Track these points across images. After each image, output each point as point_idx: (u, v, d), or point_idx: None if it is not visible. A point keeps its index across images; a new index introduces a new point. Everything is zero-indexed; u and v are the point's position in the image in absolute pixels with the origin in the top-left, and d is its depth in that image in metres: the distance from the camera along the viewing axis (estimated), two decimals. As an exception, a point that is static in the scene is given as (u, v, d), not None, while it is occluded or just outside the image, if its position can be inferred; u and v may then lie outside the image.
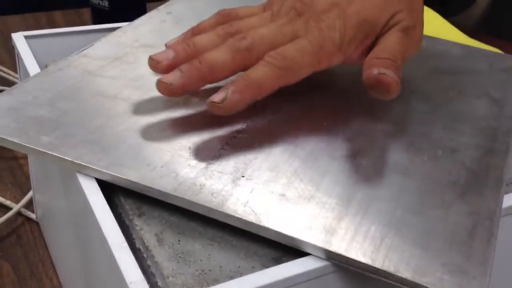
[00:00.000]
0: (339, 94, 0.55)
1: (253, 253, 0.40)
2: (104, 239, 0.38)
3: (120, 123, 0.47)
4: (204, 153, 0.45)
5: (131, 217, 0.42)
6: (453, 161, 0.47)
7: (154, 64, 0.49)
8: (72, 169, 0.43)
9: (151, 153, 0.44)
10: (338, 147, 0.47)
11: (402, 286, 0.36)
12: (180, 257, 0.39)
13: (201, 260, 0.39)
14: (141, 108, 0.49)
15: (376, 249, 0.37)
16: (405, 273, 0.36)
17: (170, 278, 0.38)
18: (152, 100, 0.51)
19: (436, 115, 0.53)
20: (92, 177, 0.43)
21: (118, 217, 0.43)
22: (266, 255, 0.40)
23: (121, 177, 0.42)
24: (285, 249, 0.40)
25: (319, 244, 0.38)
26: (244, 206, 0.40)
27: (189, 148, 0.45)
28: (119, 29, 0.62)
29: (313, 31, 0.49)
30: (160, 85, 0.47)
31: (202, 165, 0.44)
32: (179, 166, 0.43)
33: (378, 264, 0.37)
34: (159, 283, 0.37)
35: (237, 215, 0.39)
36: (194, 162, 0.44)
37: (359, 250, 0.37)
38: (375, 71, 0.46)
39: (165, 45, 0.54)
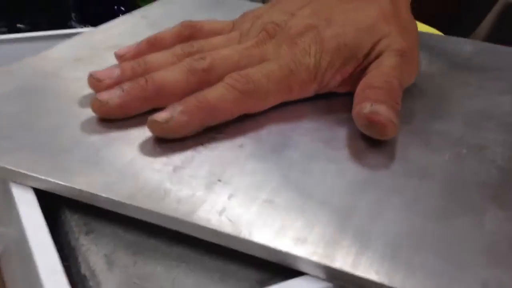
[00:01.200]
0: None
1: (232, 275, 0.31)
2: (34, 263, 0.29)
3: (73, 125, 0.38)
4: (172, 155, 0.36)
5: (76, 235, 0.33)
6: (481, 159, 0.38)
7: (94, 82, 0.41)
8: (7, 178, 0.34)
9: (106, 157, 0.35)
10: (338, 147, 0.38)
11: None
12: (134, 283, 0.30)
13: (161, 286, 0.30)
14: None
15: (392, 265, 0.28)
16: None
17: (118, 311, 0.28)
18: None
19: (454, 112, 0.44)
20: (30, 186, 0.34)
21: (65, 236, 0.34)
22: (248, 277, 0.31)
23: (62, 184, 0.33)
24: (273, 269, 0.30)
25: (317, 259, 0.28)
26: (220, 215, 0.31)
27: (155, 149, 0.36)
28: (85, 32, 0.55)
29: (284, 55, 0.41)
30: (94, 103, 0.39)
31: (169, 168, 0.35)
32: (139, 170, 0.34)
33: (397, 284, 0.27)
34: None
35: (210, 226, 0.30)
36: (159, 165, 0.35)
37: (370, 267, 0.28)
38: (367, 108, 0.37)
39: (114, 53, 0.46)
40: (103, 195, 0.32)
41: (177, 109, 0.37)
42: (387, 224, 0.31)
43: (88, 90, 0.42)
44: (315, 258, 0.28)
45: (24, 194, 0.33)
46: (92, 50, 0.50)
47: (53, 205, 0.35)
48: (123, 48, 0.46)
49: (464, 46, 0.57)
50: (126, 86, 0.39)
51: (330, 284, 0.28)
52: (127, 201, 0.32)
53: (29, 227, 0.31)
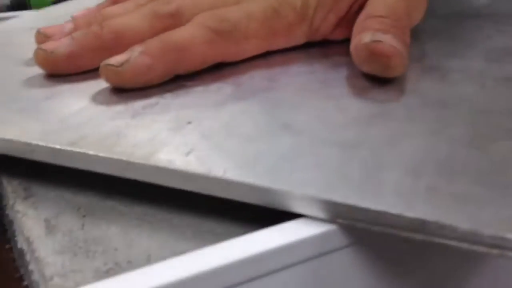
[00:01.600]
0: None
1: (207, 231, 0.24)
2: None
3: (14, 82, 0.32)
4: (132, 103, 0.29)
5: (11, 202, 0.26)
6: (509, 89, 0.31)
7: (41, 39, 0.35)
8: None
9: (48, 108, 0.29)
10: (338, 85, 0.31)
11: (461, 245, 0.19)
12: (79, 247, 0.23)
13: (115, 250, 0.23)
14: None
15: (416, 197, 0.21)
16: (469, 225, 0.19)
17: (55, 280, 0.21)
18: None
19: (473, 51, 0.37)
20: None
21: (2, 208, 0.27)
22: (227, 232, 0.23)
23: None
24: (257, 221, 0.23)
25: (315, 194, 0.21)
26: (187, 156, 0.24)
27: (110, 98, 0.30)
28: (48, 7, 0.49)
29: None
30: (37, 54, 0.32)
31: (125, 115, 0.28)
32: (87, 119, 0.27)
33: (428, 217, 0.20)
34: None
35: (174, 167, 0.23)
36: (113, 113, 0.28)
37: (390, 201, 0.21)
38: (367, 37, 0.30)
39: (71, 17, 0.40)
40: (40, 143, 0.25)
41: (137, 50, 0.30)
42: (405, 152, 0.24)
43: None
44: (311, 193, 0.21)
45: None
46: (51, 21, 0.44)
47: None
48: (82, 11, 0.40)
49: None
50: (77, 34, 0.33)
51: (332, 227, 0.21)
52: (68, 148, 0.25)
53: None
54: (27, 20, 0.44)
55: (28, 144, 0.25)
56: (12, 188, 0.27)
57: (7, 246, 0.27)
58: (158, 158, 0.24)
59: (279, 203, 0.22)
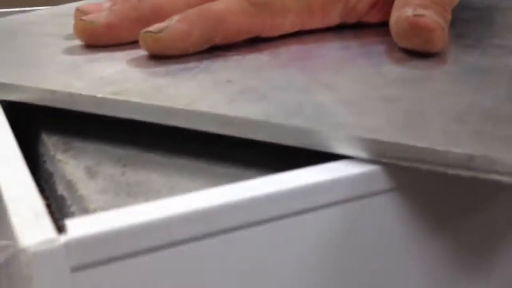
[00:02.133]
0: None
1: (246, 178, 0.23)
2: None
3: (54, 49, 0.32)
4: (170, 65, 0.30)
5: (52, 153, 0.26)
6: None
7: (79, 15, 0.35)
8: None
9: (88, 69, 0.29)
10: (376, 56, 0.31)
11: (509, 180, 0.19)
12: (120, 188, 0.23)
13: (157, 191, 0.23)
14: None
15: (463, 137, 0.21)
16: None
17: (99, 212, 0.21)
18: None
19: (510, 33, 0.37)
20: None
21: (40, 159, 0.27)
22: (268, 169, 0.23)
23: (31, 87, 0.26)
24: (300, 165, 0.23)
25: (368, 135, 0.21)
26: (229, 104, 0.24)
27: (148, 62, 0.30)
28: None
29: None
30: (76, 25, 0.33)
31: (167, 75, 0.28)
32: (126, 77, 0.28)
33: (476, 152, 0.20)
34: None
35: (216, 112, 0.23)
36: (154, 72, 0.28)
37: (436, 139, 0.21)
38: (409, 11, 0.30)
39: None
40: (83, 93, 0.25)
41: (175, 18, 0.31)
42: (449, 105, 0.24)
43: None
44: (355, 133, 0.21)
45: (-11, 108, 0.27)
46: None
47: (28, 133, 0.29)
48: None
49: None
50: (116, 7, 0.33)
51: (376, 167, 0.21)
52: (111, 96, 0.25)
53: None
54: (46, 13, 0.45)
55: (71, 95, 0.26)
56: (52, 142, 0.27)
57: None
58: (200, 104, 0.24)
59: (323, 144, 0.22)
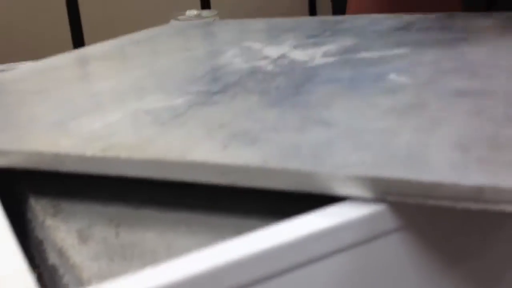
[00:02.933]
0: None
1: (251, 227, 0.22)
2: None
3: (38, 102, 0.32)
4: (159, 112, 0.29)
5: (41, 218, 0.25)
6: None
7: None
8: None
9: (77, 122, 0.28)
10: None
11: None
12: (115, 252, 0.22)
13: (153, 252, 0.21)
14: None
15: (469, 167, 0.20)
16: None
17: (94, 282, 0.20)
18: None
19: None
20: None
21: (29, 226, 0.26)
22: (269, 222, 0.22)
23: (15, 150, 0.25)
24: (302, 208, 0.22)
25: (371, 173, 0.20)
26: (223, 151, 0.23)
27: (137, 109, 0.29)
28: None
29: None
30: None
31: (155, 120, 0.27)
32: (117, 128, 0.27)
33: (485, 183, 0.19)
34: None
35: (212, 161, 0.22)
36: (141, 120, 0.27)
37: (442, 172, 0.20)
38: None
39: None
40: (70, 152, 0.24)
41: None
42: (448, 133, 0.23)
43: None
44: (358, 172, 0.20)
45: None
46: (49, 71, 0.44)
47: (14, 195, 0.28)
48: None
49: None
50: None
51: (381, 207, 0.20)
52: (100, 154, 0.24)
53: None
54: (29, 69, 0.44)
55: (58, 156, 0.24)
56: (40, 206, 0.26)
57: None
58: (193, 154, 0.23)
59: (324, 186, 0.21)
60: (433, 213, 0.21)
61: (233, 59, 0.39)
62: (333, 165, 0.21)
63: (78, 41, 1.26)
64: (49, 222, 0.24)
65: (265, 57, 0.39)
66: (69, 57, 0.47)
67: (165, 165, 0.23)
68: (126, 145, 0.24)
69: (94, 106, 0.31)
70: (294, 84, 0.31)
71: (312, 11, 1.71)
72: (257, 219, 0.23)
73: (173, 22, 0.81)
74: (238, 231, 0.22)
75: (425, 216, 0.21)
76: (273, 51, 0.40)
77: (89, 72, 0.40)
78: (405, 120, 0.25)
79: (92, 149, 0.24)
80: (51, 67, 0.43)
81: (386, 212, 0.20)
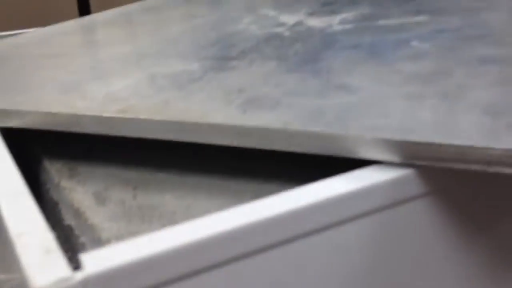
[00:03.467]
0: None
1: (269, 192, 0.22)
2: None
3: (52, 66, 0.31)
4: (177, 76, 0.28)
5: (56, 181, 0.25)
6: None
7: None
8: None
9: (93, 85, 0.27)
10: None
11: None
12: (133, 214, 0.21)
13: (173, 213, 0.21)
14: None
15: (500, 132, 0.19)
16: None
17: (113, 242, 0.19)
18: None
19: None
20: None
21: (44, 187, 0.26)
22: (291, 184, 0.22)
23: (33, 112, 0.25)
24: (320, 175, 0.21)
25: (399, 137, 0.20)
26: (244, 114, 0.22)
27: (153, 73, 0.29)
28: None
29: None
30: None
31: (172, 84, 0.27)
32: (133, 91, 0.26)
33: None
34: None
35: (229, 123, 0.22)
36: (158, 84, 0.27)
37: (472, 136, 0.19)
38: None
39: None
40: (86, 113, 0.24)
41: None
42: (478, 99, 0.22)
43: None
44: (385, 135, 0.20)
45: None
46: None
47: (28, 159, 0.27)
48: None
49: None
50: None
51: (409, 171, 0.19)
52: (117, 115, 0.23)
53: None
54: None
55: (74, 116, 0.24)
56: (56, 169, 0.25)
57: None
58: (214, 117, 0.22)
59: (349, 149, 0.20)
60: (461, 178, 0.20)
61: (248, 26, 0.38)
62: (359, 129, 0.20)
63: (84, 10, 1.25)
64: (65, 184, 0.24)
65: (281, 24, 0.38)
66: (78, 23, 0.46)
67: (185, 127, 0.22)
68: (144, 107, 0.24)
69: (109, 69, 0.30)
70: (313, 50, 0.31)
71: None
72: (276, 185, 0.22)
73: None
74: (255, 196, 0.22)
75: (453, 181, 0.20)
76: (289, 18, 0.39)
77: (100, 38, 0.39)
78: (431, 86, 0.24)
79: (109, 110, 0.24)
80: (62, 33, 0.42)
81: (414, 177, 0.20)
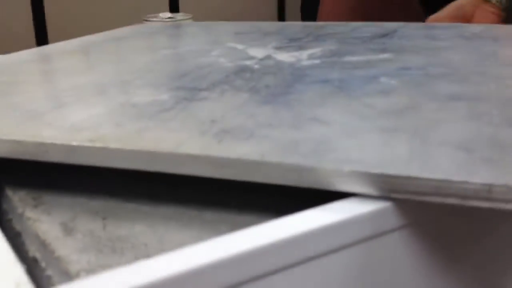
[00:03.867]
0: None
1: (245, 224, 0.22)
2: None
3: (14, 92, 0.30)
4: (146, 106, 0.27)
5: (20, 210, 0.24)
6: None
7: None
8: None
9: (58, 113, 0.27)
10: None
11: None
12: (104, 245, 0.20)
13: (145, 245, 0.20)
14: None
15: (476, 166, 0.20)
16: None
17: (82, 275, 0.19)
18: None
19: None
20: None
21: (6, 217, 0.25)
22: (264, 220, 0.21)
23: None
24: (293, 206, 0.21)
25: (376, 170, 0.20)
26: (219, 143, 0.22)
27: (122, 103, 0.28)
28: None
29: None
30: None
31: (142, 114, 0.26)
32: (101, 120, 0.26)
33: (494, 181, 0.18)
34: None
35: (205, 154, 0.21)
36: (128, 113, 0.26)
37: (449, 170, 0.19)
38: None
39: None
40: (55, 141, 0.23)
41: None
42: (449, 133, 0.23)
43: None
44: (362, 168, 0.20)
45: None
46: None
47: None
48: None
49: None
50: None
51: (386, 204, 0.20)
52: (87, 144, 0.23)
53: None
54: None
55: (42, 145, 0.23)
56: (19, 198, 0.24)
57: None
58: (188, 147, 0.22)
59: (326, 182, 0.20)
60: (437, 211, 0.20)
61: (217, 58, 0.38)
62: (336, 161, 0.20)
63: (42, 40, 1.23)
64: (29, 214, 0.23)
65: (251, 57, 0.38)
66: (39, 52, 0.45)
67: (158, 157, 0.22)
68: (114, 136, 0.23)
69: (75, 98, 0.29)
70: (283, 84, 0.31)
71: (281, 19, 1.72)
72: (251, 216, 0.22)
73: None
74: (232, 227, 0.21)
75: (429, 213, 0.20)
76: (257, 52, 0.40)
77: (63, 66, 0.39)
78: (403, 120, 0.24)
79: (78, 139, 0.23)
80: (21, 61, 0.41)
81: (391, 209, 0.20)
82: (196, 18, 0.69)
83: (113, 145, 0.22)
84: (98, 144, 0.22)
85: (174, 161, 0.22)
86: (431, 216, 0.20)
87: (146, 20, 0.80)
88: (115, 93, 0.30)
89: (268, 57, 0.38)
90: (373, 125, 0.24)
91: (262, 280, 0.17)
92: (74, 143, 0.23)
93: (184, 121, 0.25)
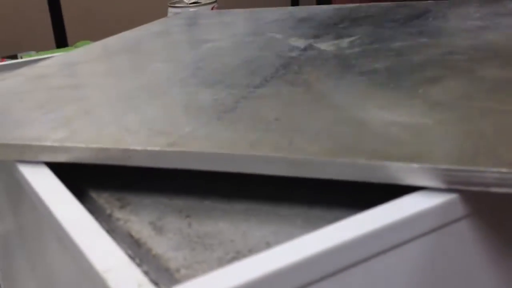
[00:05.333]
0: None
1: (317, 217, 0.24)
2: (65, 234, 0.22)
3: (87, 96, 0.32)
4: (211, 107, 0.29)
5: (108, 211, 0.26)
6: None
7: None
8: (11, 158, 0.28)
9: (131, 117, 0.29)
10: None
11: None
12: (195, 242, 0.23)
13: (232, 241, 0.22)
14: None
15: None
16: None
17: (182, 271, 0.21)
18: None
19: None
20: (41, 162, 0.27)
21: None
22: (336, 218, 0.23)
23: (81, 148, 0.26)
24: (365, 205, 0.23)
25: (441, 165, 0.21)
26: (290, 144, 0.24)
27: (189, 106, 0.30)
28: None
29: None
30: None
31: (211, 116, 0.28)
32: (174, 121, 0.28)
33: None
34: (163, 285, 0.20)
35: (280, 155, 0.23)
36: (197, 116, 0.28)
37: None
38: None
39: None
40: (138, 148, 0.25)
41: None
42: (503, 120, 0.24)
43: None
44: (429, 164, 0.21)
45: (36, 170, 0.26)
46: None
47: (77, 193, 0.28)
48: None
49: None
50: None
51: (452, 196, 0.21)
52: (168, 149, 0.25)
53: (48, 200, 0.24)
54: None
55: (126, 151, 0.25)
56: (104, 199, 0.27)
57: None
58: (260, 148, 0.24)
59: (394, 177, 0.22)
60: (498, 200, 0.22)
61: (262, 51, 0.40)
62: (403, 157, 0.22)
63: (60, 40, 1.24)
64: (118, 214, 0.25)
65: (293, 48, 0.40)
66: (92, 51, 0.47)
67: (234, 159, 0.24)
68: (191, 139, 0.25)
69: (141, 100, 0.31)
70: (334, 76, 0.32)
71: (294, 3, 1.71)
72: (321, 210, 0.24)
73: (171, 10, 0.81)
74: (306, 220, 0.23)
75: (490, 202, 0.22)
76: (298, 42, 0.41)
77: (116, 66, 0.41)
78: (459, 113, 0.26)
79: (158, 144, 0.25)
80: (78, 61, 0.43)
81: (457, 201, 0.21)
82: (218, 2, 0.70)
83: (192, 148, 0.24)
84: (178, 148, 0.24)
85: (250, 162, 0.24)
86: (495, 204, 0.22)
87: (171, 6, 0.81)
88: (177, 93, 0.32)
89: (310, 46, 0.40)
90: (430, 118, 0.25)
91: (350, 270, 0.19)
92: (156, 148, 0.25)
93: (250, 121, 0.27)
